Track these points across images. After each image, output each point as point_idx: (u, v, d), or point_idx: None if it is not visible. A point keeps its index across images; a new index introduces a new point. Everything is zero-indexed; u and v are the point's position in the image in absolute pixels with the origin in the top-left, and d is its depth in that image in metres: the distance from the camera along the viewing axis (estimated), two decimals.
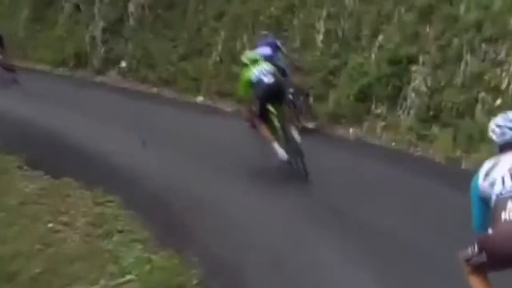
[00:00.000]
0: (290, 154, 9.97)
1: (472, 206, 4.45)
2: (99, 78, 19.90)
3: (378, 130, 12.12)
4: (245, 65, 10.57)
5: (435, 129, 11.19)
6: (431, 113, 11.29)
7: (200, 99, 16.25)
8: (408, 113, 11.74)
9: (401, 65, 11.97)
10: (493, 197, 4.19)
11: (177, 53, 17.60)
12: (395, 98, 12.00)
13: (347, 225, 8.50)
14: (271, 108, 10.06)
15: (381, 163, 10.80)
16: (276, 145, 10.03)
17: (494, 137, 4.46)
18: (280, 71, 11.13)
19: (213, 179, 10.56)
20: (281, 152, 9.98)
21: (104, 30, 20.37)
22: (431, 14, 11.86)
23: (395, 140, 11.69)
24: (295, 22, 14.67)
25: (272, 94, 10.14)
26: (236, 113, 14.11)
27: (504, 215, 4.04)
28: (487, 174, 4.30)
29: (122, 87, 18.55)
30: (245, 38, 15.68)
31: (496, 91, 10.42)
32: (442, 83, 11.29)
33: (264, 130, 10.12)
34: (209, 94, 16.04)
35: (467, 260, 4.27)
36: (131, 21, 19.66)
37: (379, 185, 9.65)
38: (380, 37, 12.68)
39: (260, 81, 10.15)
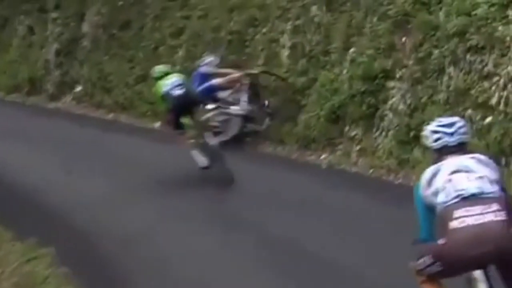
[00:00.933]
0: (210, 159, 10.32)
1: (418, 216, 4.47)
2: (53, 105, 18.54)
3: (353, 155, 10.79)
4: (157, 79, 10.85)
5: (417, 152, 9.82)
6: (412, 134, 9.92)
7: (158, 125, 14.85)
8: (386, 135, 10.41)
9: (376, 81, 10.64)
10: (438, 207, 4.21)
11: (134, 75, 16.25)
12: (371, 119, 10.67)
13: (316, 268, 7.24)
14: (185, 119, 10.46)
15: (357, 194, 9.51)
16: (195, 153, 10.56)
17: (430, 143, 4.59)
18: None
19: (158, 213, 9.47)
20: (201, 159, 10.49)
21: (58, 53, 19.08)
22: (407, 23, 10.55)
23: (372, 166, 10.34)
24: (258, 37, 13.34)
25: (183, 106, 10.41)
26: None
27: (453, 224, 4.05)
28: (429, 183, 4.35)
29: (77, 113, 17.19)
30: (205, 56, 14.32)
31: (485, 107, 9.10)
32: (423, 100, 9.97)
33: (182, 140, 10.59)
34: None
35: (421, 270, 4.31)
36: (86, 42, 18.28)
37: (355, 220, 8.41)
38: (352, 51, 11.36)
39: (170, 94, 10.43)
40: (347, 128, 11.05)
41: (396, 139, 10.17)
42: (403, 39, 10.55)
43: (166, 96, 10.47)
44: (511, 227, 4.09)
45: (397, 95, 10.35)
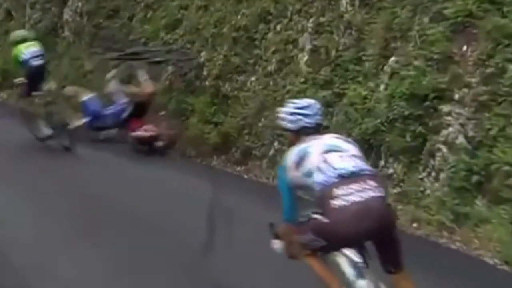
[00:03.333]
0: (54, 128, 11.04)
1: (282, 197, 4.50)
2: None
3: (390, 200, 8.00)
4: (17, 43, 11.15)
5: (480, 206, 7.15)
6: (474, 179, 7.23)
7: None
8: (437, 177, 7.70)
9: (426, 102, 7.94)
10: (316, 186, 4.20)
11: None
12: (416, 153, 7.98)
13: None
14: (36, 89, 10.98)
15: None
16: (40, 122, 11.21)
17: (289, 125, 4.64)
18: None
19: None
20: (45, 129, 11.15)
21: None
22: (471, 27, 7.83)
23: (416, 220, 7.61)
24: (270, 35, 10.59)
25: (38, 75, 10.98)
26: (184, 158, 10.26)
27: (335, 202, 4.08)
28: (298, 164, 4.35)
29: None
30: (203, 55, 11.63)
31: None
32: (492, 133, 7.27)
33: (31, 107, 11.18)
34: None
35: (304, 246, 4.39)
36: (66, 32, 15.55)
37: None
38: (393, 60, 8.64)
39: (29, 63, 10.89)
40: (382, 162, 8.32)
41: (452, 185, 7.46)
42: (464, 48, 7.84)
43: (25, 64, 10.85)
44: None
45: (454, 124, 7.65)
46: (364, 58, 9.10)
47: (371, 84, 8.81)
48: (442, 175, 7.59)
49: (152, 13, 13.26)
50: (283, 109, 4.69)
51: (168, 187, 9.10)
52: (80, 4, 15.26)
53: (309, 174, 4.25)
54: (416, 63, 8.21)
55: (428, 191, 7.68)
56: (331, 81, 9.35)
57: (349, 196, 4.05)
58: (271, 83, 10.23)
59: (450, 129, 7.64)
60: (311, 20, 9.95)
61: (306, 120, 4.55)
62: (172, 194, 8.74)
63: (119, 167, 10.27)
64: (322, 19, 9.81)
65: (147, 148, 11.07)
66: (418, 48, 8.29)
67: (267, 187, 9.23)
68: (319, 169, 4.20)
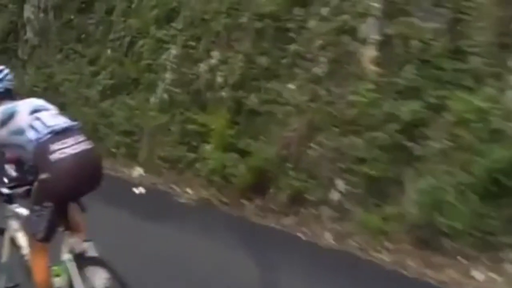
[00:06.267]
0: None
1: None
2: None
3: None
4: None
5: None
6: None
7: (138, 172, 9.04)
8: None
9: None
10: (30, 144, 4.19)
11: (98, 85, 10.41)
12: None
13: None
14: None
15: None
16: None
17: None
18: None
19: None
20: None
21: None
22: None
23: None
24: (313, 23, 7.46)
25: None
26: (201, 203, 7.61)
27: (53, 157, 4.08)
28: (4, 123, 4.29)
29: None
30: (215, 55, 8.54)
31: None
32: None
33: None
34: (152, 164, 8.86)
35: (38, 234, 4.15)
36: (29, 33, 12.43)
37: None
38: None
39: None
40: None
41: None
42: None
43: None
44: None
45: None
46: (468, 49, 6.02)
47: (489, 90, 5.73)
48: None
49: (138, 2, 10.11)
50: None
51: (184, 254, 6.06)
52: None
53: (19, 132, 4.24)
54: None
55: None
56: (419, 88, 6.25)
57: (66, 149, 4.09)
58: (321, 92, 7.10)
59: None
60: None
61: None
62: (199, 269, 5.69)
63: None
64: None
65: None
66: None
67: (335, 255, 6.17)
68: (31, 127, 4.21)
